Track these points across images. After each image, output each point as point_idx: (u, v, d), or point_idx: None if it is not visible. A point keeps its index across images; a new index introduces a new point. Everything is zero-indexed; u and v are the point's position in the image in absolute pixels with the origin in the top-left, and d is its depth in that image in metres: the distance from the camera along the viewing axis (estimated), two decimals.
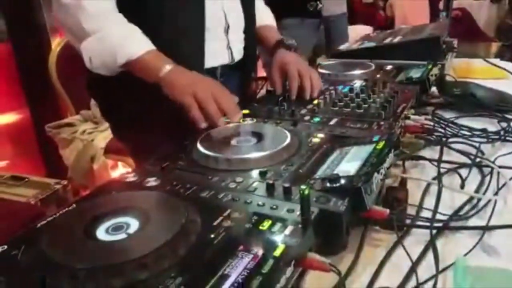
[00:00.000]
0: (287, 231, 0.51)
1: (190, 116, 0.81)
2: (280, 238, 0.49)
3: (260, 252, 0.47)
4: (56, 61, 1.99)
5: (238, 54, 1.08)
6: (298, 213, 0.54)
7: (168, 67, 0.85)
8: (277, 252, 0.47)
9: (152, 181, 0.66)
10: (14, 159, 2.16)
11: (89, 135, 1.95)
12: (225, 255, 0.47)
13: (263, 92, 1.20)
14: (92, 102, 2.04)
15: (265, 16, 1.21)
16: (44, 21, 2.08)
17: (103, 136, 1.97)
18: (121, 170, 2.29)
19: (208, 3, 0.96)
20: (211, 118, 0.80)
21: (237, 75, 1.12)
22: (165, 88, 0.84)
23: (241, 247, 0.48)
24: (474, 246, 0.58)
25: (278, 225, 0.51)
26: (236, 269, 0.45)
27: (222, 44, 1.03)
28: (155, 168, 0.70)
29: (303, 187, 0.51)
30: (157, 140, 0.98)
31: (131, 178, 0.68)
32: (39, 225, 0.55)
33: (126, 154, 1.93)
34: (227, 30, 1.02)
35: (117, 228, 0.52)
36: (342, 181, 0.60)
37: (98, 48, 0.85)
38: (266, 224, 0.52)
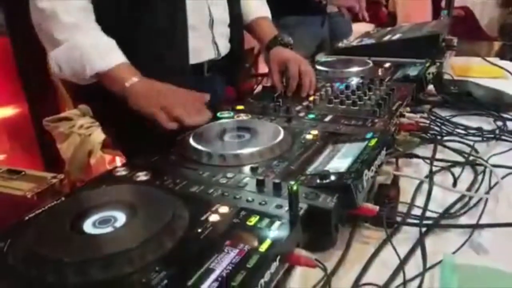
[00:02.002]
0: (274, 226, 0.51)
1: (157, 122, 0.80)
2: (266, 234, 0.49)
3: (246, 247, 0.47)
4: None
5: (224, 49, 1.07)
6: (286, 209, 0.53)
7: (134, 79, 0.84)
8: (263, 247, 0.47)
9: (142, 176, 0.66)
10: (11, 152, 2.16)
11: (86, 130, 1.95)
12: (211, 250, 0.47)
13: (258, 88, 1.19)
14: None
15: (259, 8, 1.19)
16: None
17: (100, 130, 1.97)
18: (118, 165, 2.29)
19: None
20: (179, 121, 0.78)
21: (224, 70, 1.10)
22: (130, 99, 0.83)
23: (227, 242, 0.48)
24: (463, 244, 0.58)
25: (265, 221, 0.51)
26: (221, 263, 0.45)
27: (207, 39, 1.01)
28: (146, 162, 0.70)
29: (291, 183, 0.51)
30: (149, 141, 0.98)
31: (122, 172, 0.67)
32: (26, 218, 0.55)
33: (119, 150, 1.94)
34: (211, 24, 1.01)
35: (104, 222, 0.52)
36: (332, 178, 0.60)
37: (68, 58, 0.84)
38: (253, 219, 0.52)
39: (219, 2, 1.04)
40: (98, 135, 1.93)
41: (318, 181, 0.60)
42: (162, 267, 0.44)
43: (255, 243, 0.48)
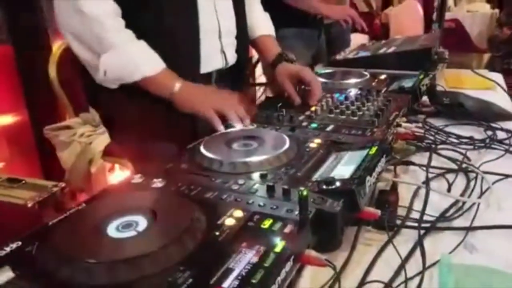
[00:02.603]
0: (287, 229, 0.55)
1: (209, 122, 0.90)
2: (280, 236, 0.53)
3: (262, 248, 0.51)
4: (57, 63, 2.02)
5: (232, 58, 1.12)
6: (296, 213, 0.58)
7: (178, 84, 0.92)
8: (278, 248, 0.51)
9: (157, 182, 0.69)
10: (10, 161, 2.17)
11: (87, 138, 1.98)
12: (229, 251, 0.51)
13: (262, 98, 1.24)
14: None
15: (264, 25, 1.24)
16: (45, 23, 2.11)
17: (102, 139, 1.99)
18: (118, 172, 2.32)
19: (202, 8, 0.99)
20: (233, 123, 0.90)
21: (230, 79, 1.15)
22: (179, 103, 0.92)
23: (244, 244, 0.52)
24: (458, 245, 0.62)
25: (278, 224, 0.56)
26: (240, 263, 0.49)
27: (216, 49, 1.06)
28: (160, 170, 0.74)
29: (302, 189, 0.55)
30: (156, 149, 1.03)
31: (138, 179, 0.71)
32: (50, 223, 0.59)
33: (124, 157, 1.97)
34: (220, 34, 1.06)
35: (127, 226, 0.55)
36: (337, 184, 0.64)
37: (117, 64, 0.89)
38: (267, 223, 0.56)
39: (227, 14, 1.09)
40: (99, 143, 1.96)
41: (324, 186, 0.64)
42: (186, 267, 0.48)
43: (270, 244, 0.52)
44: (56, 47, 2.09)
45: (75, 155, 1.95)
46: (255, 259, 0.49)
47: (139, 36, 0.93)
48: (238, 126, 0.90)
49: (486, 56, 2.78)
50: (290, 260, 0.51)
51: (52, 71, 2.02)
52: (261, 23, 1.23)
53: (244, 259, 0.49)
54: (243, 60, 1.16)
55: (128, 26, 0.93)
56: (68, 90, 2.08)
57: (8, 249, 0.52)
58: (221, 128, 0.89)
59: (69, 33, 0.91)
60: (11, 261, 0.50)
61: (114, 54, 0.89)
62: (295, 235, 0.54)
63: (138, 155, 1.08)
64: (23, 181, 1.60)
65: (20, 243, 0.53)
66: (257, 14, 1.22)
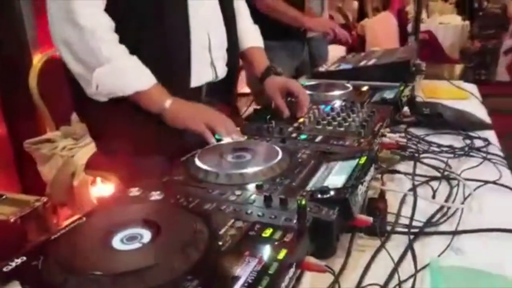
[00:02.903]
0: (287, 237, 0.57)
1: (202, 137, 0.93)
2: (281, 244, 0.56)
3: (264, 256, 0.53)
4: (38, 76, 2.00)
5: (222, 71, 1.14)
6: (295, 221, 0.60)
7: (168, 101, 0.94)
8: (280, 256, 0.53)
9: (155, 195, 0.71)
10: None
11: (69, 151, 1.95)
12: (233, 260, 0.53)
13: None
14: (73, 117, 2.05)
15: (253, 37, 1.26)
16: (26, 35, 2.09)
17: (84, 152, 1.97)
18: (100, 186, 2.30)
19: (193, 24, 1.01)
20: (223, 137, 0.93)
21: (220, 92, 1.17)
22: (170, 118, 0.94)
23: (247, 253, 0.54)
24: (446, 249, 0.66)
25: (279, 233, 0.58)
26: (245, 271, 0.51)
27: (206, 62, 1.08)
28: (156, 183, 0.75)
29: (300, 198, 0.58)
30: (145, 161, 1.04)
31: (135, 192, 0.72)
32: (52, 237, 0.59)
33: (107, 170, 1.95)
34: (209, 48, 1.08)
35: (131, 238, 0.57)
36: (332, 193, 0.67)
37: (110, 78, 0.90)
38: (268, 232, 0.58)
39: (218, 29, 1.10)
40: (81, 156, 1.94)
41: (319, 196, 0.67)
42: (193, 276, 0.50)
43: (272, 252, 0.54)
44: (37, 59, 2.07)
45: (56, 168, 1.93)
46: (259, 267, 0.51)
47: (131, 51, 0.94)
48: (227, 140, 0.92)
49: (458, 67, 2.90)
50: (293, 266, 0.53)
51: (33, 83, 2.00)
52: (250, 35, 1.25)
53: (248, 267, 0.51)
54: (233, 72, 1.18)
55: (120, 41, 0.94)
56: (49, 103, 2.06)
57: (13, 264, 0.53)
58: (213, 141, 0.91)
59: (63, 45, 0.91)
60: (18, 275, 0.51)
61: (107, 69, 0.90)
62: (295, 243, 0.56)
63: (126, 167, 1.08)
64: (4, 196, 1.58)
65: (24, 258, 0.54)
66: (246, 26, 1.24)
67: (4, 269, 0.52)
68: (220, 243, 0.56)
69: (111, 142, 1.08)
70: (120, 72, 0.91)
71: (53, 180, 1.90)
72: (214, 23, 1.09)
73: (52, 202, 1.89)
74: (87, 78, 0.91)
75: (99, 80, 0.90)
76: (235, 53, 1.18)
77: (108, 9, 0.92)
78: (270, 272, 0.50)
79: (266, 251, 0.54)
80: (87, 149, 1.99)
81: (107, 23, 0.92)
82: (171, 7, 0.98)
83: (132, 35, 0.94)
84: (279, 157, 0.81)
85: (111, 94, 0.93)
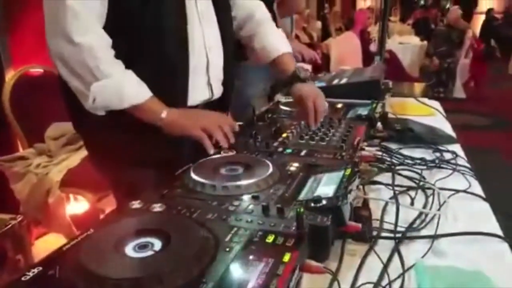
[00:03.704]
0: (289, 242, 0.62)
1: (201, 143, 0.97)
2: (285, 248, 0.60)
3: (270, 259, 0.58)
4: (10, 94, 1.98)
5: (218, 90, 1.17)
6: (293, 228, 0.65)
7: (165, 111, 0.97)
8: (286, 259, 0.58)
9: (157, 207, 0.74)
10: None
11: (43, 169, 1.93)
12: (241, 264, 0.57)
13: None
14: (47, 134, 2.03)
15: (279, 44, 1.26)
16: None
17: (58, 169, 1.96)
18: (73, 203, 2.26)
19: (193, 46, 1.05)
20: (220, 143, 0.97)
21: (215, 110, 1.18)
22: (168, 127, 0.97)
23: (252, 257, 0.58)
24: (428, 251, 0.73)
25: (281, 238, 0.63)
26: (253, 274, 0.55)
27: (203, 82, 1.11)
28: (157, 195, 0.78)
29: (299, 207, 0.63)
30: (140, 174, 1.06)
31: (137, 205, 0.75)
32: (64, 248, 0.62)
33: (82, 187, 1.94)
34: (207, 68, 1.11)
35: (143, 247, 0.60)
36: (324, 202, 0.73)
37: (107, 92, 0.92)
38: (270, 238, 0.63)
39: (216, 51, 1.14)
40: (56, 173, 1.92)
41: (312, 204, 0.72)
42: (207, 279, 0.54)
43: (277, 256, 0.58)
44: (10, 76, 2.04)
45: (30, 186, 1.90)
46: (266, 269, 0.56)
47: (128, 68, 0.97)
48: (224, 144, 0.97)
49: (418, 85, 3.09)
50: (297, 268, 0.58)
51: (5, 100, 1.98)
52: (277, 43, 1.25)
53: (256, 270, 0.56)
54: (229, 91, 1.21)
55: (118, 57, 0.96)
56: (22, 120, 2.03)
57: (30, 274, 0.55)
58: (211, 151, 0.95)
59: (59, 60, 0.92)
60: (37, 285, 0.53)
61: (105, 84, 0.92)
62: (297, 247, 0.61)
63: (120, 179, 1.10)
64: None
65: (40, 268, 0.56)
66: (272, 36, 1.26)
67: (23, 279, 0.54)
68: (227, 249, 0.60)
69: (106, 155, 1.09)
70: (117, 87, 0.93)
71: (27, 198, 1.87)
72: (213, 44, 1.12)
73: (27, 220, 1.86)
74: (84, 92, 0.93)
75: (96, 94, 0.92)
76: (230, 71, 1.20)
77: (106, 28, 0.95)
78: (278, 273, 0.55)
79: (271, 255, 0.59)
80: (61, 166, 1.97)
81: (103, 40, 0.93)
82: (171, 30, 1.01)
83: (130, 55, 0.97)
84: (271, 170, 0.86)
85: (108, 107, 0.95)
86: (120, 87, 0.93)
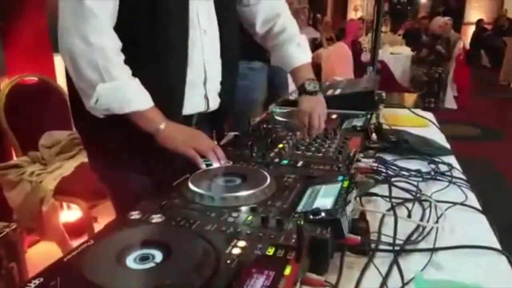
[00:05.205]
0: (290, 255, 0.62)
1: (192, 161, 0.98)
2: (285, 261, 0.60)
3: (271, 272, 0.58)
4: (5, 102, 1.97)
5: (215, 103, 1.17)
6: (293, 240, 0.66)
7: (163, 122, 0.97)
8: (287, 272, 0.58)
9: (157, 218, 0.74)
10: None
11: (37, 177, 1.91)
12: (242, 277, 0.57)
13: None
14: (41, 142, 2.02)
15: (296, 55, 1.28)
16: None
17: (52, 177, 1.94)
18: (66, 211, 2.25)
19: (192, 61, 1.06)
20: (212, 162, 0.98)
21: (210, 123, 1.21)
22: (163, 140, 0.97)
23: (254, 270, 0.59)
24: (427, 264, 0.74)
25: (282, 251, 0.63)
26: (255, 287, 0.55)
27: (200, 94, 1.12)
28: (154, 206, 0.78)
29: (299, 219, 0.64)
30: (136, 179, 1.06)
31: (136, 216, 0.75)
32: (65, 259, 0.61)
33: (76, 195, 1.92)
34: (205, 81, 1.12)
35: (143, 258, 0.60)
36: (323, 214, 0.73)
37: (111, 95, 0.93)
38: (271, 250, 0.63)
39: (215, 65, 1.14)
40: (50, 182, 1.91)
41: (311, 216, 0.73)
42: None
43: (278, 269, 0.59)
44: (4, 85, 2.03)
45: (24, 194, 1.88)
46: (267, 283, 0.56)
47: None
48: (215, 165, 0.97)
49: (409, 95, 3.12)
50: (298, 281, 0.58)
51: (0, 109, 1.97)
52: (294, 56, 1.27)
53: (258, 283, 0.56)
54: (226, 105, 1.21)
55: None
56: (16, 128, 2.02)
57: (32, 285, 0.54)
58: (203, 167, 0.95)
59: (68, 57, 0.92)
60: None
61: (111, 86, 0.92)
62: (298, 260, 0.61)
63: (117, 183, 1.10)
64: None
65: (42, 279, 0.56)
66: (292, 48, 1.27)
67: None
68: (228, 261, 0.60)
69: (104, 158, 1.09)
70: (121, 90, 0.94)
71: (21, 206, 1.85)
72: (211, 58, 1.12)
73: (20, 228, 1.84)
74: (88, 92, 0.93)
75: (100, 95, 0.92)
76: (230, 85, 1.21)
77: None
78: (279, 287, 0.55)
79: (272, 268, 0.59)
80: (55, 174, 1.96)
81: (116, 43, 0.94)
82: (173, 48, 1.02)
83: (129, 64, 0.97)
84: (268, 181, 0.86)
85: (109, 110, 0.95)
86: (124, 91, 0.94)
